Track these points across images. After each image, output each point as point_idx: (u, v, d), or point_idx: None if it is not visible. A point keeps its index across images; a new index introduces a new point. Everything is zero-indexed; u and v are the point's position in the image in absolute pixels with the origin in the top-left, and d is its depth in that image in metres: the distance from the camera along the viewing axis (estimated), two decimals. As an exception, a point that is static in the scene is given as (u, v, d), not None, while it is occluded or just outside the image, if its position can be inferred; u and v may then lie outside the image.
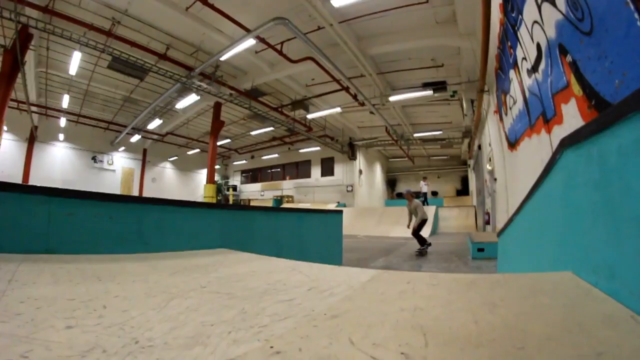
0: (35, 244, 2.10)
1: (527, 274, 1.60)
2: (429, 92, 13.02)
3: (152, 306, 1.14)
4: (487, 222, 12.02)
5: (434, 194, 20.64)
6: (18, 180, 16.67)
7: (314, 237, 4.54)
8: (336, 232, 5.34)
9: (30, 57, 10.98)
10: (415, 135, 20.26)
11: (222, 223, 3.36)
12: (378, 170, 28.98)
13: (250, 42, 10.10)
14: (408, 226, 8.65)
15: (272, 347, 0.78)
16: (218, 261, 2.34)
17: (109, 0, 9.68)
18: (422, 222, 8.33)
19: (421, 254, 7.92)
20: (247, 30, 9.82)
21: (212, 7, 9.28)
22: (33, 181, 17.48)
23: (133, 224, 2.66)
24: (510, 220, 3.45)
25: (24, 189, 2.22)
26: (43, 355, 0.70)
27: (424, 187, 20.09)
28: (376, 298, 1.22)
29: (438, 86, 13.00)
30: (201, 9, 9.66)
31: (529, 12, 3.94)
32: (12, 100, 11.15)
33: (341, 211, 5.69)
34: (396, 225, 13.24)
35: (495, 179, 9.43)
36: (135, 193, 23.64)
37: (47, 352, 0.72)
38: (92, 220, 2.43)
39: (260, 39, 10.51)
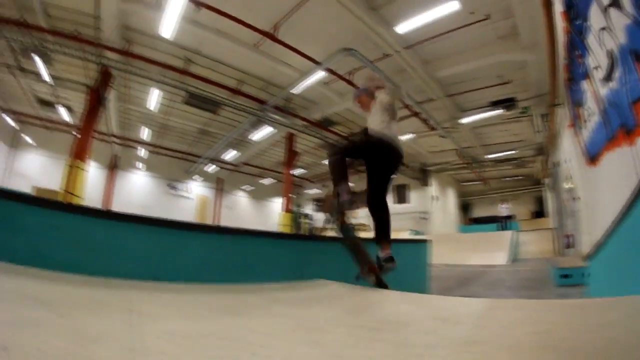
0: (143, 271, 2.23)
1: (632, 296, 1.57)
2: (501, 111, 12.73)
3: (305, 342, 1.16)
4: (567, 246, 11.09)
5: (510, 218, 19.18)
6: (98, 203, 18.09)
7: (405, 266, 4.48)
8: (423, 260, 5.32)
9: (111, 94, 12.30)
10: (487, 156, 19.49)
11: (318, 254, 3.49)
12: (451, 195, 27.65)
13: (319, 74, 10.64)
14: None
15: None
16: (330, 293, 2.44)
17: (182, 42, 10.48)
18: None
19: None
20: (315, 62, 10.30)
21: (280, 42, 9.79)
22: (115, 205, 18.85)
23: (237, 254, 2.83)
24: (603, 242, 3.26)
25: (132, 219, 2.41)
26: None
27: (503, 210, 18.86)
28: (502, 324, 1.31)
29: (507, 103, 12.61)
30: (270, 45, 10.21)
31: (595, 18, 3.83)
32: (95, 131, 12.20)
33: (427, 240, 5.68)
34: (473, 253, 12.62)
35: (577, 198, 8.80)
36: (210, 220, 24.37)
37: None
38: (198, 250, 2.59)
39: (329, 71, 10.89)
